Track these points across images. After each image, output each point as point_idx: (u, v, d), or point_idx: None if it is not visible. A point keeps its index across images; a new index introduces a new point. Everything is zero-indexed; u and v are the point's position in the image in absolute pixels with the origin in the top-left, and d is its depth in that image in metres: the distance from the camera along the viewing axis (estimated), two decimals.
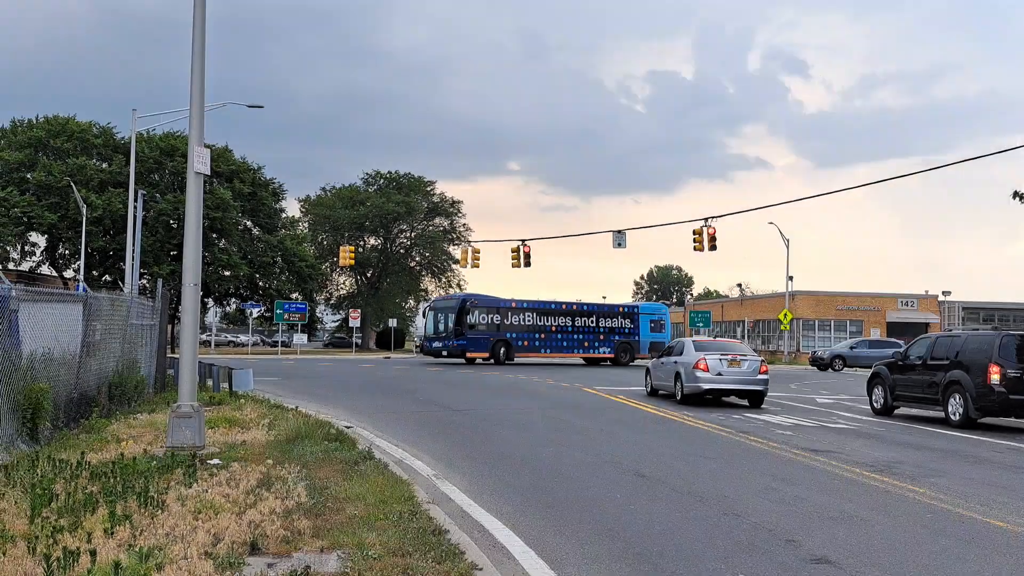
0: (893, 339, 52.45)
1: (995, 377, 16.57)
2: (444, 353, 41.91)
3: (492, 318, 42.61)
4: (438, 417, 17.16)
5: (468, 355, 41.58)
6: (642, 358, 46.29)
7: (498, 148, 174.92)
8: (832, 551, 6.90)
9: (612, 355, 45.54)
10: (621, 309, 47.58)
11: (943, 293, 66.83)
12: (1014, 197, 27.46)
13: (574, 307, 46.15)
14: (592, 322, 45.60)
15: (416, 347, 62.44)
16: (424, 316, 45.99)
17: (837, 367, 45.75)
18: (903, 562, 6.65)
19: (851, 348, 47.62)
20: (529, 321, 43.67)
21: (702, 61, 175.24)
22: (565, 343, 44.68)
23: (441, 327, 42.50)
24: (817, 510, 8.55)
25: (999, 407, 16.65)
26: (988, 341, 17.22)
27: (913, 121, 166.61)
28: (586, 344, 45.32)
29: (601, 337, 45.64)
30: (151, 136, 55.52)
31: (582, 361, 45.28)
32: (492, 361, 41.79)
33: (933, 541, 7.40)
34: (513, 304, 43.81)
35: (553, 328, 44.29)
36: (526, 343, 43.26)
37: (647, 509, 8.43)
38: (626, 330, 46.44)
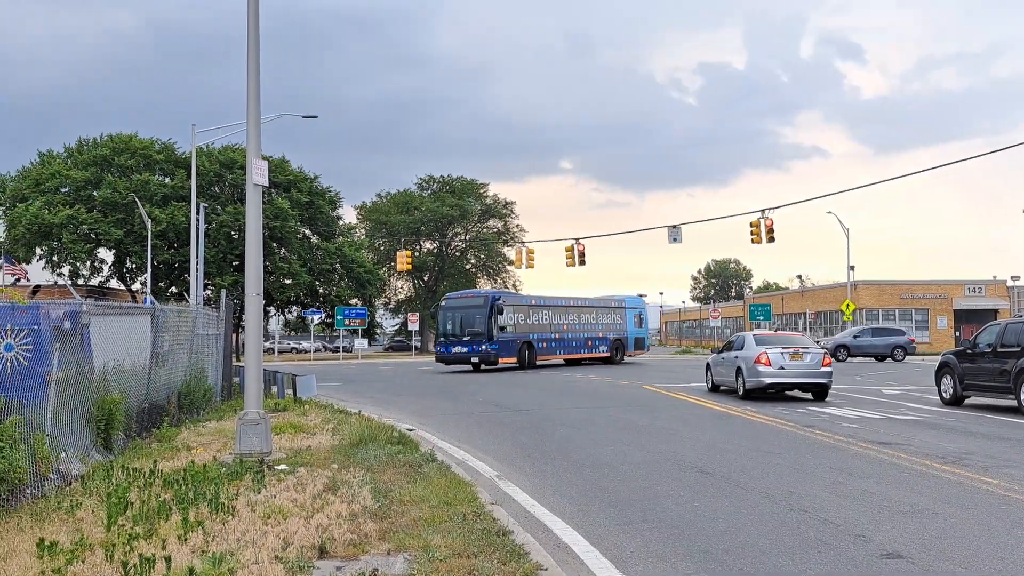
0: (895, 327, 50.89)
1: None
2: (475, 360, 35.88)
3: (519, 318, 37.96)
4: (498, 418, 17.21)
5: (501, 360, 36.35)
6: (630, 355, 44.74)
7: (548, 148, 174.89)
8: (903, 546, 6.74)
9: (608, 353, 42.48)
10: (613, 303, 44.60)
11: (1012, 278, 64.66)
12: None
13: (582, 303, 42.61)
14: (594, 318, 42.50)
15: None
16: (438, 316, 39.09)
17: (841, 357, 43.04)
18: (977, 555, 6.47)
19: (855, 337, 45.84)
20: (546, 320, 39.65)
21: (753, 50, 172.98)
22: (574, 342, 41.09)
23: (466, 329, 36.55)
24: (886, 504, 8.35)
25: None
26: None
27: (974, 101, 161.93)
28: (590, 343, 41.91)
29: (599, 334, 42.60)
30: (210, 150, 56.74)
31: (590, 360, 42.01)
32: (518, 366, 37.15)
33: (1008, 533, 7.17)
34: (533, 301, 40.00)
35: (565, 326, 40.57)
36: (544, 344, 39.13)
37: (712, 506, 8.34)
38: (617, 325, 43.98)
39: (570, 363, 41.00)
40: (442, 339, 37.69)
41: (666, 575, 6.06)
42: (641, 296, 51.12)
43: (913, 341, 46.85)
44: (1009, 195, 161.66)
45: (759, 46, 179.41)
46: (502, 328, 36.31)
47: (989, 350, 18.16)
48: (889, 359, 43.90)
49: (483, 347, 35.78)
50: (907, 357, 44.48)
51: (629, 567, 6.23)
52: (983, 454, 11.62)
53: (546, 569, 5.84)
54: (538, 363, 38.46)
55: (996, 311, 60.83)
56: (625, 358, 43.97)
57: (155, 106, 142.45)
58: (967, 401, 19.19)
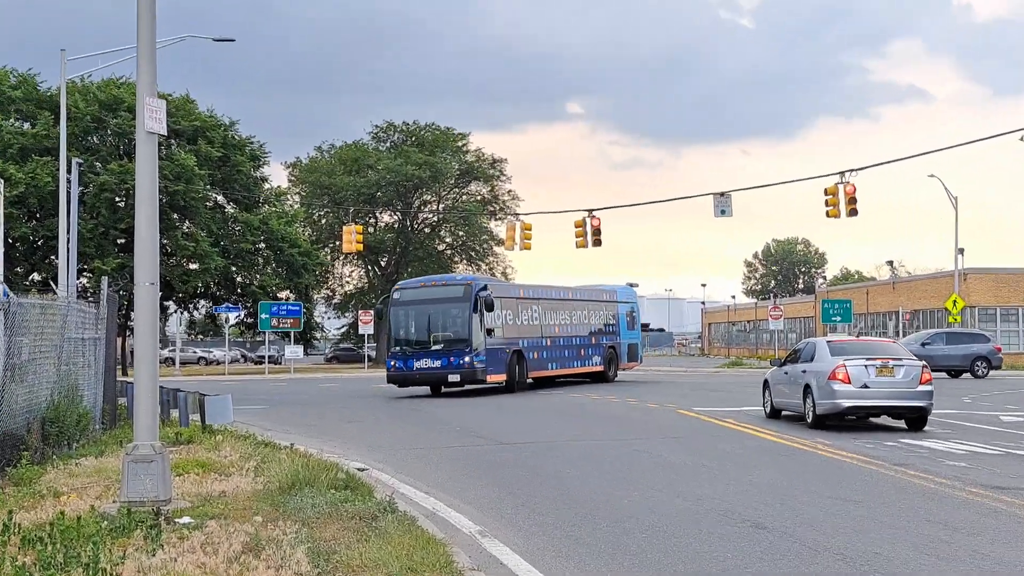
0: (977, 331, 50.96)
1: None
2: (454, 378, 32.68)
3: (507, 316, 35.23)
4: (481, 453, 17.23)
5: (490, 378, 33.63)
6: (624, 368, 43.90)
7: (553, 86, 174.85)
8: None
9: (601, 367, 41.22)
10: (605, 296, 43.60)
11: None
12: None
13: (572, 295, 41.50)
14: (585, 317, 41.03)
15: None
16: (389, 315, 35.16)
17: None
18: None
19: (923, 345, 45.97)
20: (536, 320, 37.63)
21: None
22: (567, 351, 39.46)
23: (438, 334, 33.32)
24: (1002, 570, 8.43)
25: None
26: None
27: None
28: (582, 352, 40.44)
29: (593, 340, 41.35)
30: (86, 86, 56.42)
31: (580, 376, 40.79)
32: (506, 386, 34.32)
33: None
34: (523, 293, 38.71)
35: (556, 328, 38.74)
36: (536, 354, 36.94)
37: (770, 572, 8.38)
38: (611, 328, 42.88)
39: (560, 382, 40.10)
40: (397, 349, 33.77)
41: None
42: (632, 286, 50.40)
43: (999, 350, 47.16)
44: None
45: None
46: (490, 331, 33.29)
47: None
48: (967, 374, 44.26)
49: (465, 359, 32.11)
50: (991, 371, 44.78)
51: None
52: None
53: None
54: (531, 379, 36.49)
55: None
56: (618, 373, 42.92)
57: (10, 27, 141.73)
58: None
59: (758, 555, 9.08)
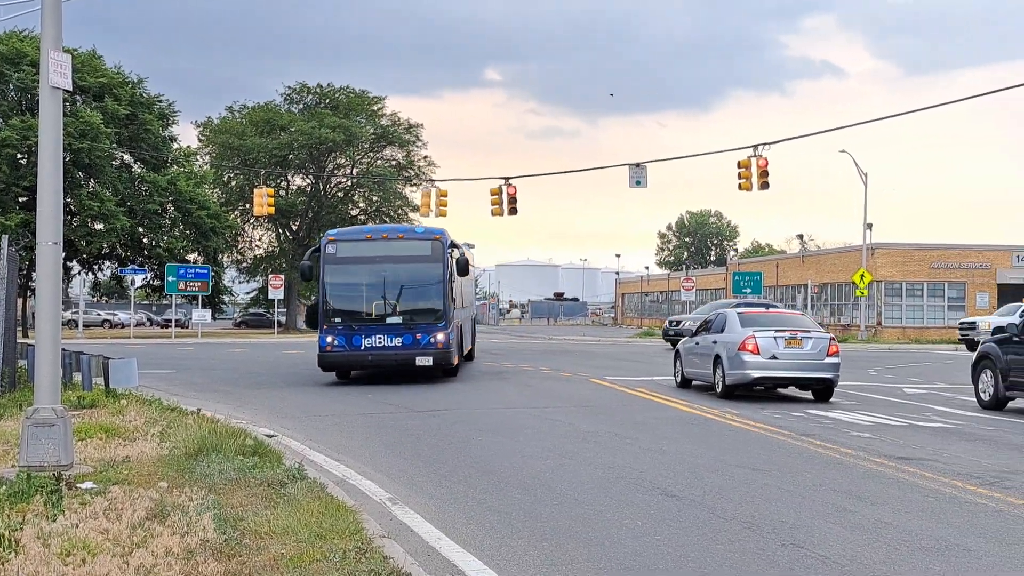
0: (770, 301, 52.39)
1: None
2: (424, 362, 24.61)
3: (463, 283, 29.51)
4: (394, 421, 17.20)
5: (455, 360, 26.35)
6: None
7: (471, 51, 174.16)
8: None
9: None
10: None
11: None
12: None
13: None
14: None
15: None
16: (320, 274, 25.63)
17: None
18: None
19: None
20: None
21: None
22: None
23: (396, 301, 25.39)
24: (906, 539, 8.64)
25: None
26: None
27: None
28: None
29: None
30: None
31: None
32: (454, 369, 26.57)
33: None
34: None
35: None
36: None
37: (678, 541, 8.50)
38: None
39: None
40: (337, 321, 24.90)
41: None
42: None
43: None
44: None
45: None
46: (453, 300, 26.10)
47: None
48: None
49: (438, 336, 24.63)
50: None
51: None
52: None
53: None
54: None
55: None
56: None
57: None
58: (1012, 404, 19.95)
59: (667, 523, 9.20)
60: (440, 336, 24.54)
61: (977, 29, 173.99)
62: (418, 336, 24.45)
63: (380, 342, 24.35)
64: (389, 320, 24.75)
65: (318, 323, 25.11)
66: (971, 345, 46.57)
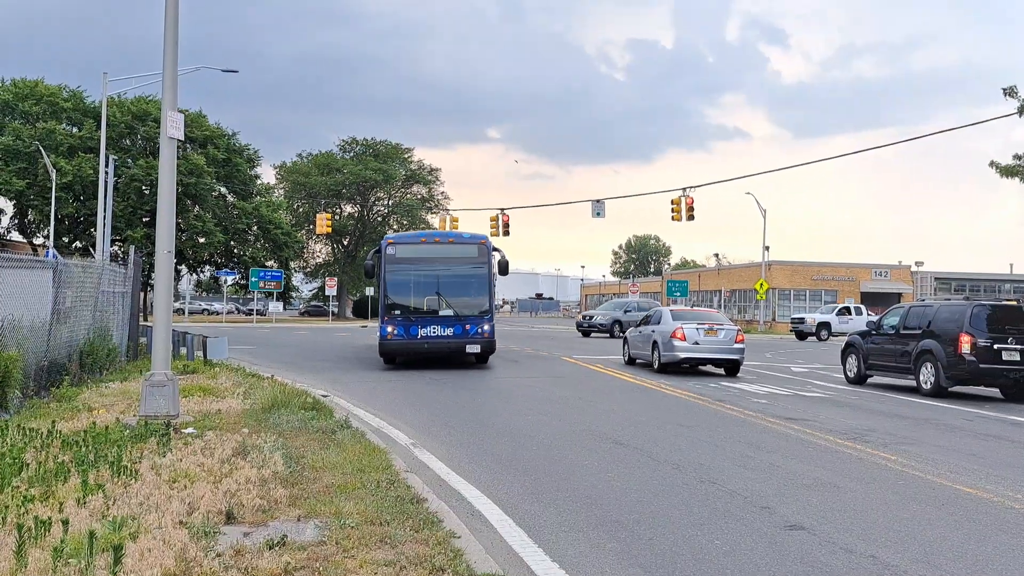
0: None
1: (966, 347, 16.78)
2: (474, 350, 21.65)
3: None
4: (416, 387, 17.15)
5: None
6: None
7: (477, 114, 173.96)
8: (805, 517, 6.98)
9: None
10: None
11: (916, 263, 67.55)
12: (991, 166, 27.67)
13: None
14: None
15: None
16: (380, 272, 22.29)
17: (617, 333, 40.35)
18: (874, 527, 6.75)
19: (626, 311, 41.85)
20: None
21: (681, 29, 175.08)
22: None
23: (449, 297, 21.94)
24: (791, 478, 8.64)
25: (969, 376, 16.88)
26: (959, 311, 17.41)
27: (891, 92, 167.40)
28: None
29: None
30: (122, 100, 54.56)
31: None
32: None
33: (903, 507, 7.51)
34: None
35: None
36: None
37: (624, 476, 8.48)
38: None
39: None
40: (397, 313, 21.49)
41: (578, 544, 6.14)
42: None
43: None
44: (918, 184, 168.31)
45: (687, 25, 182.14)
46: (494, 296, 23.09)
47: (892, 332, 18.93)
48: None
49: (484, 327, 21.66)
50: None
51: (542, 536, 6.29)
52: (883, 431, 12.12)
53: (459, 537, 5.84)
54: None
55: (900, 295, 63.42)
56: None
57: (65, 52, 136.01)
58: (870, 380, 19.98)
59: (616, 464, 9.18)
60: (486, 327, 21.64)
61: (850, 104, 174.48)
62: (467, 327, 21.51)
63: (435, 332, 21.35)
64: (442, 312, 21.58)
65: (379, 315, 21.97)
66: (800, 335, 46.69)
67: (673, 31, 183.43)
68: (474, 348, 21.47)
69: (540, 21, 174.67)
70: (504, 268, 22.71)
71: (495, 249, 22.63)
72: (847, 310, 47.43)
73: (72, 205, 51.92)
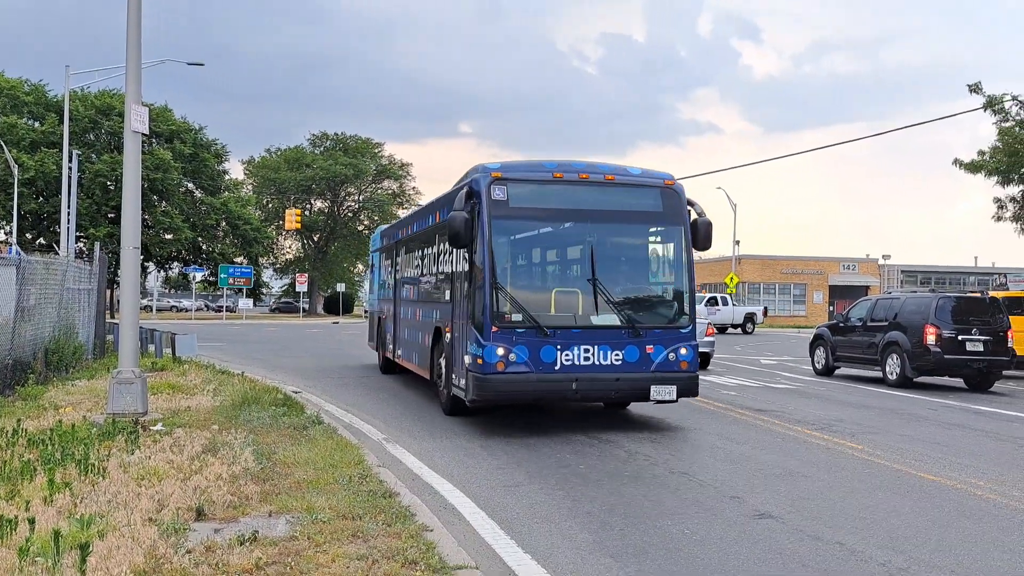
0: None
1: (931, 338, 17.08)
2: (664, 395, 10.59)
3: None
4: (383, 382, 17.10)
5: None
6: None
7: (450, 110, 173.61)
8: (774, 506, 7.09)
9: None
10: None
11: (883, 257, 68.48)
12: (954, 163, 28.12)
13: None
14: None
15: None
16: (474, 228, 10.35)
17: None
18: (841, 514, 6.87)
19: None
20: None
21: (654, 24, 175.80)
22: None
23: (601, 292, 10.51)
24: (761, 468, 8.75)
25: (934, 367, 17.19)
26: (925, 303, 17.72)
27: (861, 87, 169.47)
28: None
29: None
30: (85, 94, 53.76)
31: None
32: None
33: (870, 495, 7.64)
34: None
35: None
36: None
37: (597, 468, 8.54)
38: None
39: None
40: (517, 319, 10.19)
41: (550, 535, 6.19)
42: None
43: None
44: (886, 179, 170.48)
45: (659, 20, 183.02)
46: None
47: (860, 324, 19.20)
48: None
49: (679, 349, 10.73)
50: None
51: (514, 527, 6.32)
52: (850, 421, 12.30)
53: (432, 530, 5.86)
54: None
55: (867, 288, 64.29)
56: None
57: (25, 45, 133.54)
58: (838, 371, 20.24)
59: (589, 457, 9.23)
60: (684, 351, 10.74)
61: (818, 99, 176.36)
62: (649, 349, 10.57)
63: (590, 358, 10.34)
64: (598, 320, 10.53)
65: (478, 321, 10.29)
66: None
67: (646, 26, 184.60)
68: (666, 394, 10.64)
69: (514, 18, 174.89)
70: (707, 236, 11.26)
71: (690, 203, 11.43)
72: (715, 300, 48.44)
73: (35, 201, 51.20)
